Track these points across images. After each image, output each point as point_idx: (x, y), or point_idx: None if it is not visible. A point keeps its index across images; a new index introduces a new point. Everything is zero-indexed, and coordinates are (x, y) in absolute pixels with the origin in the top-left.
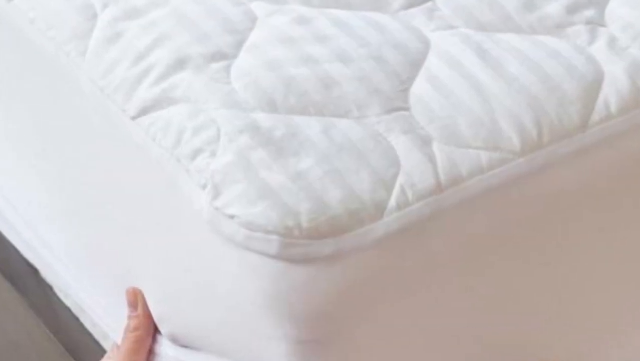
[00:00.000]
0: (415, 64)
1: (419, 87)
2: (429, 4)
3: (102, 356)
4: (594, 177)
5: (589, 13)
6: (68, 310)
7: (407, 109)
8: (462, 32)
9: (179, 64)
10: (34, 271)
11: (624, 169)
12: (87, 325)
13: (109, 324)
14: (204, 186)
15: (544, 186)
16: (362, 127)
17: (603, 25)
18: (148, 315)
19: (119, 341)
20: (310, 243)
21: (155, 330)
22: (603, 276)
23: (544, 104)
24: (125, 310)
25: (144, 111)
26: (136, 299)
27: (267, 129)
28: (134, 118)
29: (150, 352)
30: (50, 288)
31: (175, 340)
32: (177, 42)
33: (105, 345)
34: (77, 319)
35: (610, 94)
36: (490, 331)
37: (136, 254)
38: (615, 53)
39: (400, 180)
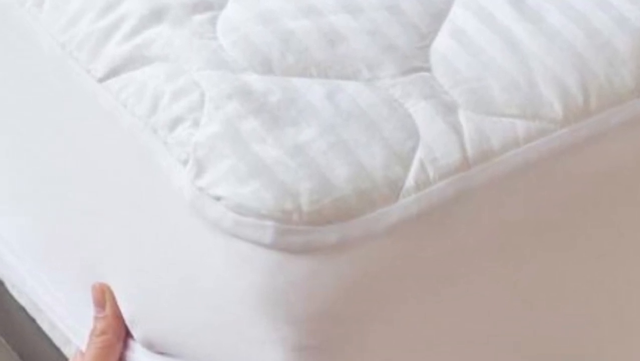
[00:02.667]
0: (438, 15)
1: (442, 44)
2: None
3: None
4: None
5: None
6: (22, 309)
7: (427, 69)
8: None
9: (155, 15)
10: None
11: None
12: (45, 328)
13: (71, 327)
14: (184, 162)
15: (591, 161)
16: (374, 92)
17: None
18: (118, 316)
19: (83, 347)
20: (312, 229)
21: (127, 334)
22: None
23: (592, 63)
24: (91, 310)
25: (113, 72)
26: (104, 298)
27: (261, 93)
28: (101, 80)
29: (121, 360)
30: (1, 283)
31: (150, 346)
32: None
33: (67, 351)
34: (33, 321)
35: None
36: (527, 335)
37: (104, 243)
38: None
39: (419, 155)
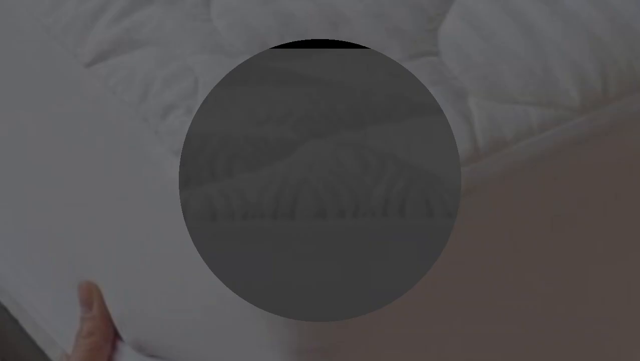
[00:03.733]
0: None
1: (451, 27)
2: None
3: None
4: None
5: None
6: (4, 310)
7: (436, 54)
8: None
9: None
10: None
11: None
12: (29, 329)
13: (56, 328)
14: (177, 152)
15: (610, 151)
16: None
17: None
18: (106, 317)
19: (68, 349)
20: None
21: (116, 336)
22: None
23: (611, 48)
24: (77, 310)
25: (101, 57)
26: (91, 297)
27: None
28: (88, 65)
29: None
30: None
31: (140, 349)
32: None
33: (52, 354)
34: (15, 321)
35: None
36: (540, 336)
37: (91, 239)
38: None
39: None
